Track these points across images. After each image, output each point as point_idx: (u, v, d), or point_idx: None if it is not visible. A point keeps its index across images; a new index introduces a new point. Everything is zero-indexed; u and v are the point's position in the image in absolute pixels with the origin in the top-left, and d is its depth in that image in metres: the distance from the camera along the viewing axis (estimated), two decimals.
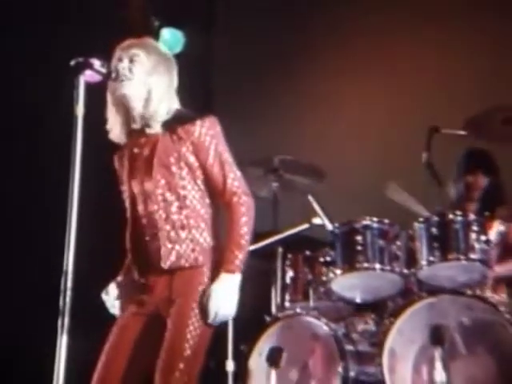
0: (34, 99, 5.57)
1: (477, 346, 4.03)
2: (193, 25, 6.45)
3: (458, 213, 4.27)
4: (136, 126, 3.22)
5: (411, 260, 4.32)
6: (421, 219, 4.31)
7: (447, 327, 3.97)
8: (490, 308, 4.02)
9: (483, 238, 4.18)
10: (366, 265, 4.32)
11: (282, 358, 4.17)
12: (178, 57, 3.42)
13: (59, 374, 2.67)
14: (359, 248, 4.34)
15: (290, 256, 4.76)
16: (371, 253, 4.33)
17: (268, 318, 4.51)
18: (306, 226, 4.89)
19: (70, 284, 2.74)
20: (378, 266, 4.31)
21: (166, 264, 3.09)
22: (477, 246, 4.16)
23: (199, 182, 3.16)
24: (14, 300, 5.37)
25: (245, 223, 3.11)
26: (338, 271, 4.40)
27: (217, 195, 3.18)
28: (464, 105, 4.78)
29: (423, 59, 6.28)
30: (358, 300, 4.52)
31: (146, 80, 3.17)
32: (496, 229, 4.26)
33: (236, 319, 3.39)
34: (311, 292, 4.59)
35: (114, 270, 3.34)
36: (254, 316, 4.61)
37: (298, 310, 4.48)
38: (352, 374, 4.18)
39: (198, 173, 3.16)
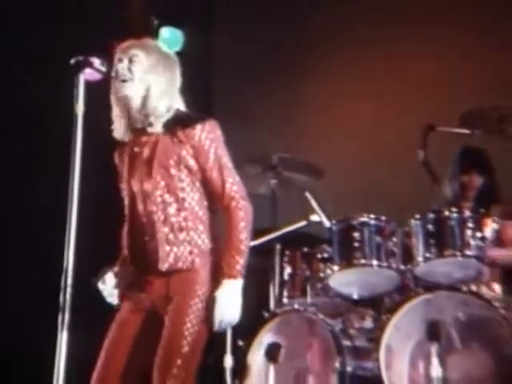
0: (33, 99, 5.56)
1: (473, 341, 4.05)
2: (192, 24, 6.40)
3: (454, 210, 4.30)
4: (138, 125, 3.23)
5: (408, 256, 4.34)
6: (417, 216, 4.33)
7: (443, 323, 3.99)
8: (485, 304, 4.04)
9: (479, 234, 4.22)
10: (363, 261, 4.35)
11: (280, 353, 4.19)
12: (177, 56, 3.43)
13: (59, 370, 2.69)
14: (356, 244, 4.37)
15: (288, 252, 4.77)
16: (368, 249, 4.36)
17: (266, 314, 4.53)
18: (303, 222, 4.92)
19: (70, 281, 2.75)
20: (375, 262, 4.34)
21: (163, 266, 3.10)
22: (472, 242, 4.19)
23: (198, 184, 3.18)
24: (14, 298, 5.37)
25: (243, 228, 3.12)
26: (336, 267, 4.43)
27: (215, 199, 3.19)
28: (461, 104, 4.79)
29: (421, 59, 6.28)
30: (355, 296, 4.54)
31: (144, 78, 3.18)
32: (490, 226, 4.28)
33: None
34: (309, 288, 4.61)
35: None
36: (252, 312, 4.62)
37: (296, 306, 4.49)
38: (349, 369, 4.19)
39: (197, 175, 3.17)
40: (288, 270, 4.73)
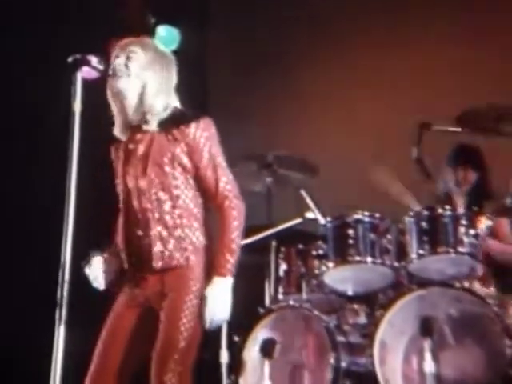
0: (33, 99, 5.56)
1: (465, 337, 4.07)
2: (188, 22, 6.36)
3: (447, 207, 4.33)
4: (133, 121, 3.25)
5: (401, 253, 4.37)
6: (411, 213, 4.37)
7: (436, 319, 4.01)
8: (478, 300, 4.07)
9: (472, 231, 4.24)
10: (357, 258, 4.37)
11: (275, 349, 4.21)
12: (173, 54, 3.45)
13: (56, 364, 2.71)
14: (351, 242, 4.39)
15: (283, 249, 4.78)
16: (363, 246, 4.38)
17: (262, 310, 4.54)
18: (299, 220, 4.92)
19: (67, 277, 2.78)
20: (369, 259, 4.36)
21: (157, 264, 3.13)
22: (465, 239, 4.22)
23: (192, 181, 3.20)
24: (14, 297, 5.37)
25: (236, 227, 3.15)
26: (331, 264, 4.44)
27: (209, 197, 3.21)
28: (454, 102, 4.82)
29: (414, 57, 6.31)
30: (349, 292, 4.55)
31: (141, 74, 3.20)
32: (484, 224, 4.32)
33: (230, 311, 3.41)
34: (304, 284, 4.62)
35: None
36: (247, 308, 4.64)
37: (291, 302, 4.51)
38: (343, 364, 4.20)
39: (191, 173, 3.19)
40: (283, 266, 4.75)
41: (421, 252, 4.26)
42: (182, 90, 3.37)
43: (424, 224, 4.28)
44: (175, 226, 3.15)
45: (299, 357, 4.40)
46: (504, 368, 3.91)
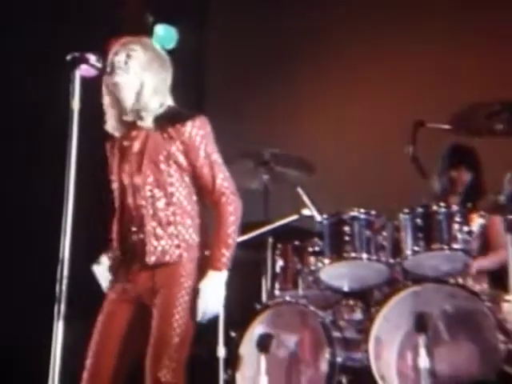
0: (33, 99, 5.56)
1: (459, 332, 4.10)
2: (186, 21, 6.36)
3: (442, 204, 4.36)
4: (128, 118, 3.26)
5: (397, 250, 4.39)
6: (406, 210, 4.39)
7: (430, 315, 4.04)
8: (472, 296, 4.09)
9: (466, 228, 4.26)
10: (353, 254, 4.40)
11: (271, 343, 4.25)
12: (171, 53, 3.45)
13: (55, 359, 2.73)
14: (347, 238, 4.41)
15: (280, 246, 4.81)
16: (358, 243, 4.40)
17: (258, 306, 4.57)
18: (295, 217, 4.92)
19: (66, 272, 2.79)
20: (364, 255, 4.39)
21: (150, 260, 3.14)
22: (459, 236, 4.24)
23: (187, 179, 3.22)
24: (14, 296, 5.38)
25: (232, 222, 3.17)
26: (326, 261, 4.47)
27: (205, 194, 3.23)
28: (449, 102, 4.85)
29: (409, 58, 6.32)
30: (345, 288, 4.58)
31: (140, 74, 3.22)
32: (477, 221, 4.35)
33: (227, 307, 3.48)
34: (300, 281, 4.65)
35: None
36: (244, 304, 4.67)
37: (288, 298, 4.54)
38: (339, 359, 4.23)
39: (187, 171, 3.21)
40: (280, 262, 4.77)
41: (416, 249, 4.29)
42: (180, 88, 3.39)
43: (419, 221, 4.30)
44: (169, 223, 3.17)
45: (295, 352, 4.43)
46: (498, 363, 3.93)
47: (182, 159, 3.20)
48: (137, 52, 3.25)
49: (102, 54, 3.15)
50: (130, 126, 3.29)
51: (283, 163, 4.99)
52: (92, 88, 3.11)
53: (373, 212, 4.49)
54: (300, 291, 4.65)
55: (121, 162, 3.29)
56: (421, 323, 4.00)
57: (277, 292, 4.74)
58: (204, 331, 3.25)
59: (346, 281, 4.58)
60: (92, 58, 3.05)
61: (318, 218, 4.77)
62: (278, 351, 4.38)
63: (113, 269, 3.29)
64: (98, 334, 3.20)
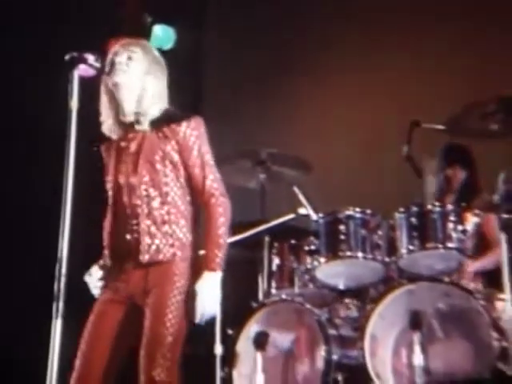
0: (33, 99, 5.57)
1: (453, 330, 4.12)
2: (184, 22, 6.37)
3: (437, 203, 4.39)
4: (126, 119, 3.28)
5: (392, 249, 4.42)
6: (401, 209, 4.42)
7: (425, 313, 4.07)
8: (466, 295, 4.11)
9: (460, 227, 4.29)
10: (348, 253, 4.42)
11: (267, 341, 4.26)
12: (169, 53, 3.48)
13: (53, 357, 2.75)
14: (342, 237, 4.44)
15: (276, 245, 4.82)
16: (354, 242, 4.43)
17: (255, 304, 4.58)
18: (291, 216, 4.93)
19: (64, 271, 2.81)
20: (360, 254, 4.42)
21: (144, 258, 3.16)
22: (454, 235, 4.27)
23: (182, 179, 3.24)
24: (14, 296, 5.39)
25: (222, 224, 3.19)
26: (322, 259, 4.49)
27: (196, 194, 3.25)
28: (446, 103, 4.88)
29: (407, 59, 6.35)
30: (341, 287, 4.60)
31: (143, 77, 3.24)
32: (472, 220, 4.37)
33: (224, 305, 3.49)
34: (296, 279, 4.68)
35: None
36: (241, 302, 4.70)
37: (284, 296, 4.57)
38: (335, 357, 4.25)
39: (181, 171, 3.23)
40: (276, 261, 4.79)
41: (411, 247, 4.31)
42: (177, 88, 3.41)
43: (414, 220, 4.33)
44: (163, 222, 3.19)
45: (291, 350, 4.46)
46: (492, 360, 3.95)
47: (176, 158, 3.23)
48: (137, 54, 3.27)
49: (101, 54, 3.16)
50: (126, 128, 3.31)
51: (280, 163, 5.01)
52: (90, 88, 3.13)
53: (368, 211, 4.52)
54: (296, 289, 4.68)
55: (117, 162, 3.31)
56: (415, 321, 4.02)
57: (273, 290, 4.77)
58: (201, 329, 3.26)
59: (341, 279, 4.59)
60: (90, 57, 3.07)
61: (314, 216, 4.80)
62: (275, 349, 4.40)
63: (104, 277, 3.30)
64: (88, 334, 3.19)
